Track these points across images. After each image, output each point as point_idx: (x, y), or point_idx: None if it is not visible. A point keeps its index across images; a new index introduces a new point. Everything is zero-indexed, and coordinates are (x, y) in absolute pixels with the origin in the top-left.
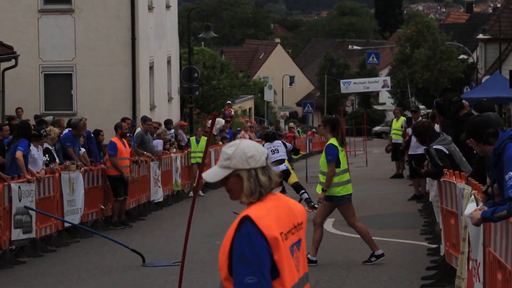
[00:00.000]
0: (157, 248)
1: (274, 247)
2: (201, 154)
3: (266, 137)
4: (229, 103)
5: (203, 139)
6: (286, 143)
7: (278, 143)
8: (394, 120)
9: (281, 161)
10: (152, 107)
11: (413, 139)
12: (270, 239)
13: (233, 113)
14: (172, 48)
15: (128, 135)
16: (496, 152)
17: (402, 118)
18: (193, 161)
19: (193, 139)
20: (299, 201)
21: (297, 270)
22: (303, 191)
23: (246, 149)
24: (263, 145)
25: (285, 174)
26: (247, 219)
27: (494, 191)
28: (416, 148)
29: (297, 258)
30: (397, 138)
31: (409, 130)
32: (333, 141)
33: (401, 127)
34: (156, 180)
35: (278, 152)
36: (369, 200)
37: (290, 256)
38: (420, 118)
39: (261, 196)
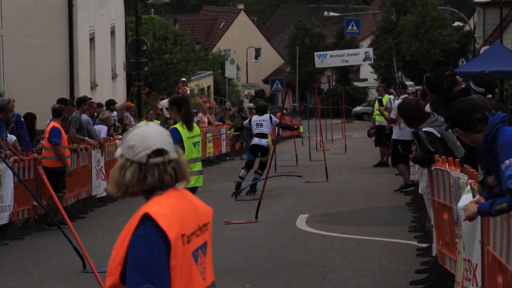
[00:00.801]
0: (100, 251)
1: (173, 250)
2: None
3: (257, 109)
4: (183, 81)
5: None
6: (273, 118)
7: (265, 117)
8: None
9: (264, 135)
10: (94, 86)
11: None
12: (172, 241)
13: (188, 92)
14: (116, 17)
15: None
16: (487, 139)
17: (387, 97)
18: None
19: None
20: (238, 180)
21: (202, 278)
22: (261, 173)
23: (133, 137)
24: (251, 118)
25: (264, 150)
26: (146, 218)
27: (489, 183)
28: (402, 133)
29: (203, 264)
30: (381, 119)
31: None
32: (177, 125)
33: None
34: (98, 171)
35: (262, 126)
36: (350, 193)
37: (193, 263)
38: (406, 95)
39: (125, 194)
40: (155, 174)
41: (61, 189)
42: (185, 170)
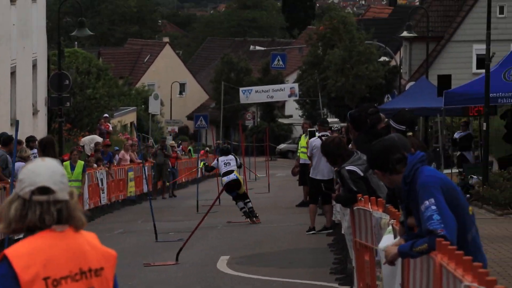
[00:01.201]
0: None
1: None
2: (77, 184)
3: (222, 152)
4: (106, 117)
5: (79, 164)
6: (237, 159)
7: (231, 157)
8: (303, 136)
9: (230, 172)
10: (13, 122)
11: (317, 160)
12: (24, 283)
13: (111, 128)
14: (38, 50)
15: None
16: (406, 180)
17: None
18: None
19: (66, 164)
20: (241, 210)
21: None
22: (249, 200)
23: (24, 171)
24: (218, 159)
25: (236, 183)
26: (4, 258)
27: (410, 224)
28: (313, 171)
29: None
30: (305, 158)
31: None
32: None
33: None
34: None
35: (230, 165)
36: (272, 233)
37: None
38: (326, 133)
39: (15, 230)
40: (36, 212)
41: None
42: (75, 213)
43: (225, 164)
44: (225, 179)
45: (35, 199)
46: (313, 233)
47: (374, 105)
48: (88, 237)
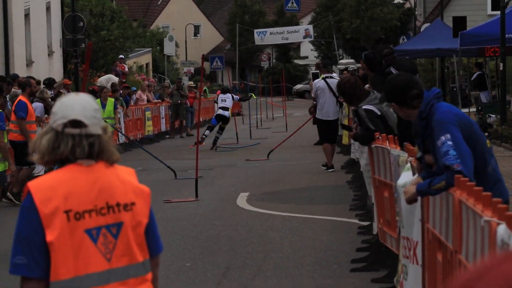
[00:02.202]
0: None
1: (48, 226)
2: (110, 121)
3: (222, 90)
4: (121, 58)
5: (110, 102)
6: (234, 96)
7: (228, 95)
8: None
9: (226, 108)
10: (29, 63)
11: (322, 101)
12: (43, 216)
13: (126, 69)
14: None
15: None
16: (422, 115)
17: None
18: None
19: (97, 102)
20: (204, 135)
21: (105, 259)
22: (221, 133)
23: (58, 104)
24: (218, 95)
25: (225, 119)
26: (28, 190)
27: (427, 161)
28: (319, 112)
29: (108, 244)
30: None
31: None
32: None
33: None
34: None
35: (225, 102)
36: (290, 171)
37: (87, 241)
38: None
39: (48, 162)
40: (68, 145)
41: (29, 163)
42: (107, 148)
43: (222, 100)
44: (221, 112)
45: (67, 132)
46: (332, 171)
47: (389, 46)
48: (122, 172)
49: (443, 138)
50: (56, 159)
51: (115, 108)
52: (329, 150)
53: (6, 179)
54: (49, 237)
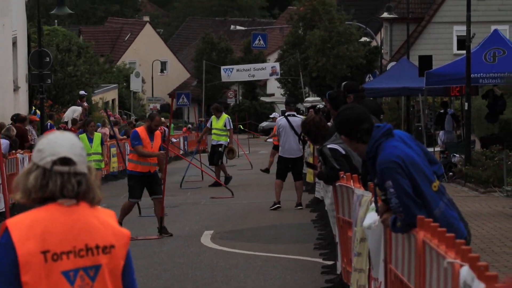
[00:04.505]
0: None
1: (24, 266)
2: (97, 157)
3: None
4: (82, 94)
5: (97, 136)
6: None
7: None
8: (213, 117)
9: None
10: None
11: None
12: (20, 254)
13: (86, 105)
14: (18, 27)
15: None
16: (369, 155)
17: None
18: None
19: (83, 137)
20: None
21: None
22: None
23: (43, 141)
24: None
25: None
26: (5, 227)
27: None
28: (291, 150)
29: (83, 287)
30: (216, 139)
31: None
32: None
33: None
34: None
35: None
36: (256, 209)
37: (63, 283)
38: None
39: (28, 199)
40: (57, 182)
41: None
42: (93, 188)
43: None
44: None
45: (56, 169)
46: (277, 207)
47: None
48: (102, 213)
49: (386, 183)
50: (44, 197)
51: (102, 143)
52: (281, 186)
53: None
54: (24, 277)
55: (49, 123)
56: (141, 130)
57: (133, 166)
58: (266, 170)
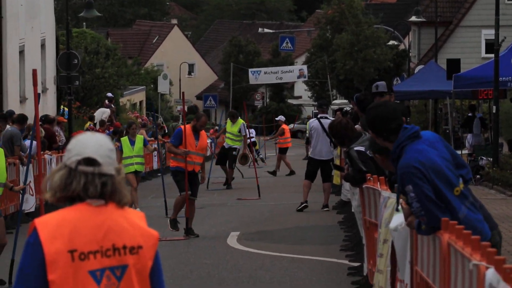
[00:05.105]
0: None
1: (51, 264)
2: (140, 160)
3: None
4: (109, 97)
5: (139, 139)
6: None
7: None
8: (229, 121)
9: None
10: (23, 100)
11: (315, 141)
12: (48, 254)
13: (113, 107)
14: (47, 30)
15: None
16: (393, 157)
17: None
18: (130, 169)
19: (125, 140)
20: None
21: None
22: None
23: (73, 141)
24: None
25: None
26: (34, 226)
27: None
28: (322, 152)
29: (109, 286)
30: (230, 143)
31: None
32: None
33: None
34: (26, 186)
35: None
36: (282, 211)
37: (90, 282)
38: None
39: (59, 199)
40: (81, 182)
41: None
42: (119, 189)
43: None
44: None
45: (80, 169)
46: (304, 206)
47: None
48: (131, 214)
49: (407, 187)
50: (68, 197)
51: (145, 144)
52: (309, 187)
53: None
54: (51, 275)
55: (90, 125)
56: (187, 128)
57: (177, 163)
58: (273, 173)
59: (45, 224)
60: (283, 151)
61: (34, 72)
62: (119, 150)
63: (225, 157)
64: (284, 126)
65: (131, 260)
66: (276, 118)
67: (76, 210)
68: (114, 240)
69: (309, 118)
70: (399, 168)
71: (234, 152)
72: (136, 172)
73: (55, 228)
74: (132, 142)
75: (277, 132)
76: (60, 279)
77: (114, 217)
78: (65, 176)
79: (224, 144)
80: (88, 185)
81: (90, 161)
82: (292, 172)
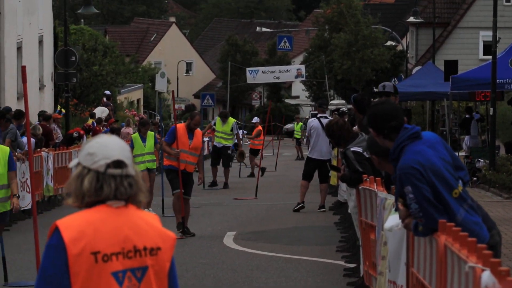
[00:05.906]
0: (23, 264)
1: (74, 266)
2: (151, 157)
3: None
4: (107, 94)
5: (150, 136)
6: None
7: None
8: (218, 119)
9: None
10: (20, 96)
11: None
12: (71, 256)
13: (111, 105)
14: (45, 26)
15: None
16: (392, 156)
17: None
18: (141, 167)
19: (136, 136)
20: None
21: None
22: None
23: (94, 145)
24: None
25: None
26: (56, 228)
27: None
28: (321, 152)
29: (129, 287)
30: (219, 141)
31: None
32: None
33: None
34: (23, 183)
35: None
36: (278, 211)
37: (113, 284)
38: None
39: (82, 203)
40: (111, 186)
41: None
42: (141, 190)
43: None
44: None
45: (110, 172)
46: (301, 207)
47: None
48: (147, 216)
49: (406, 188)
50: (98, 201)
51: (155, 141)
52: (306, 187)
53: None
54: (75, 277)
55: (93, 122)
56: (180, 127)
57: (170, 161)
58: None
59: (68, 226)
60: (255, 152)
61: (23, 68)
62: (130, 147)
63: (219, 157)
64: (260, 127)
65: (151, 261)
66: (253, 121)
67: (97, 212)
68: (135, 242)
69: (299, 119)
70: (398, 169)
71: (228, 151)
72: (148, 170)
73: (78, 230)
74: (144, 139)
75: (254, 134)
76: (83, 280)
77: (133, 218)
78: (94, 181)
79: (215, 144)
80: (118, 188)
81: (118, 164)
82: (252, 174)
